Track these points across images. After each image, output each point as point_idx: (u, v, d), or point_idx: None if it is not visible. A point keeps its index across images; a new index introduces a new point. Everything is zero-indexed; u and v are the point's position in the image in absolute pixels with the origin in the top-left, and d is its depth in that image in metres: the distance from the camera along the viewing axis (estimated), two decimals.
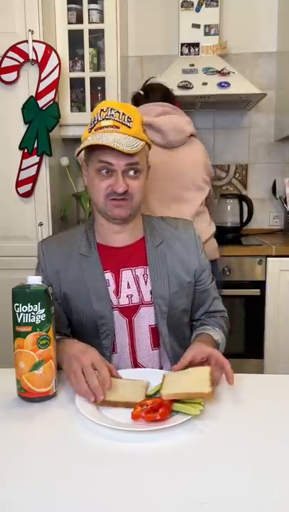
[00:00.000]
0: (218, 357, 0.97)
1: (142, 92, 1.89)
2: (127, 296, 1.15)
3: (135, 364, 1.16)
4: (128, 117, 1.06)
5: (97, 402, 0.89)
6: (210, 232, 1.86)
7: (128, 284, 1.15)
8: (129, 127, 1.06)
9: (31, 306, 0.90)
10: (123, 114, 1.06)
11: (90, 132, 1.08)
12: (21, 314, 0.90)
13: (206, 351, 1.00)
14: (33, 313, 0.90)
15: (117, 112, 1.06)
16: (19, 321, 0.90)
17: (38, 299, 0.90)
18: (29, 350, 0.91)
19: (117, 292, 1.15)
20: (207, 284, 1.25)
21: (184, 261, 1.19)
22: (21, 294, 0.91)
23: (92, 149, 1.08)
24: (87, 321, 1.16)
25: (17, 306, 0.90)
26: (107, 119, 1.06)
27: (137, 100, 1.88)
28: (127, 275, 1.15)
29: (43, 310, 0.91)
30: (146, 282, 1.15)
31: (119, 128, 1.05)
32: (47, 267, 1.19)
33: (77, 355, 0.96)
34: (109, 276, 1.15)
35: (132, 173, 1.09)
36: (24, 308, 0.90)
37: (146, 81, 1.96)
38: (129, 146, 1.03)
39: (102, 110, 1.08)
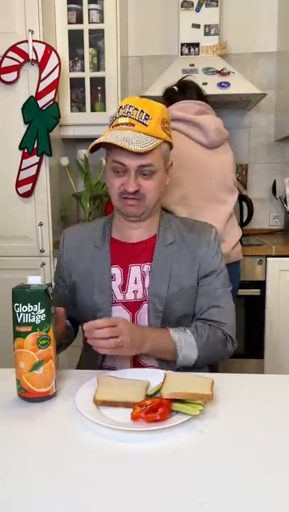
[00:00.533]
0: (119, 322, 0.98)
1: (176, 88, 1.87)
2: (133, 291, 1.16)
3: (134, 359, 1.15)
4: (146, 114, 1.05)
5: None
6: (240, 235, 1.88)
7: (135, 280, 1.16)
8: (145, 125, 1.05)
9: (31, 306, 0.90)
10: (141, 111, 1.05)
11: (108, 129, 1.09)
12: (21, 314, 0.90)
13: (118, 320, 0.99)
14: (33, 313, 0.90)
15: (136, 109, 1.05)
16: (19, 321, 0.90)
17: (38, 299, 0.90)
18: (29, 350, 0.91)
19: (124, 287, 1.16)
20: (209, 288, 1.17)
21: (190, 265, 1.16)
22: (21, 294, 0.90)
23: (108, 147, 1.08)
24: (88, 312, 1.17)
25: (17, 306, 0.90)
26: (124, 116, 1.06)
27: (170, 96, 1.86)
28: (135, 271, 1.16)
29: (43, 310, 0.91)
30: (149, 279, 1.16)
31: (134, 126, 1.04)
32: (64, 255, 1.24)
33: None
34: (116, 270, 1.16)
35: (145, 173, 1.08)
36: (24, 308, 0.90)
37: (181, 78, 1.93)
38: (140, 144, 1.02)
39: (120, 107, 1.07)
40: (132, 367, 1.14)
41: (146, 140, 1.04)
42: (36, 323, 0.90)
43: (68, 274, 1.22)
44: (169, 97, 1.86)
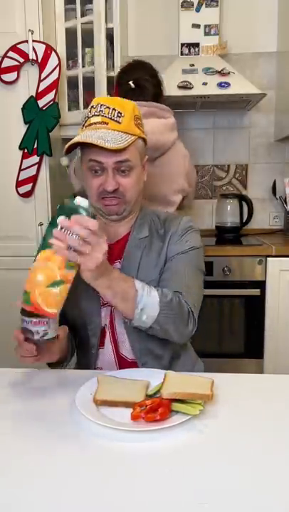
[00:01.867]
0: None
1: (132, 85, 1.74)
2: None
3: (118, 353, 1.14)
4: (118, 112, 1.05)
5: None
6: None
7: None
8: (118, 122, 1.05)
9: None
10: (113, 109, 1.05)
11: (82, 129, 1.09)
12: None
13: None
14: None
15: (107, 107, 1.05)
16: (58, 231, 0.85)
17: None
18: (55, 266, 0.86)
19: None
20: (172, 264, 1.12)
21: (158, 257, 1.15)
22: (67, 208, 0.86)
23: (83, 147, 1.08)
24: (77, 317, 1.16)
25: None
26: (96, 115, 1.06)
27: (127, 96, 1.74)
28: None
29: None
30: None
31: (107, 124, 1.04)
32: None
33: None
34: None
35: (123, 170, 1.08)
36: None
37: (131, 62, 1.79)
38: (115, 142, 1.02)
39: (92, 107, 1.08)
40: (116, 360, 1.13)
41: (122, 137, 1.04)
42: None
43: None
44: (125, 95, 1.66)
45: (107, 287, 0.96)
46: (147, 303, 0.99)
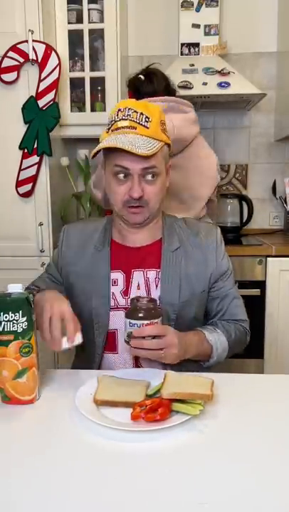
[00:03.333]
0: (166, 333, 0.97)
1: (142, 77, 1.74)
2: None
3: (136, 366, 1.15)
4: (146, 117, 1.03)
5: (57, 349, 0.94)
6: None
7: (138, 285, 1.14)
8: (146, 127, 1.03)
9: (13, 315, 0.90)
10: (141, 113, 1.03)
11: (107, 133, 1.07)
12: (3, 323, 0.90)
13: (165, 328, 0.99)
14: (14, 321, 0.90)
15: (135, 111, 1.04)
16: (1, 329, 0.90)
17: (20, 307, 0.90)
18: (12, 359, 0.91)
19: (126, 292, 1.14)
20: (224, 291, 1.19)
21: (199, 269, 1.15)
22: (2, 303, 0.90)
23: (109, 151, 1.06)
24: (85, 316, 1.15)
25: None
26: (124, 119, 1.04)
27: (136, 85, 1.74)
28: (138, 276, 1.14)
29: (24, 318, 0.91)
30: (157, 286, 1.14)
31: (136, 129, 1.02)
32: (62, 251, 1.22)
33: (51, 301, 0.97)
34: (118, 275, 1.14)
35: (149, 177, 1.06)
36: (6, 317, 0.90)
37: (147, 66, 1.80)
38: (145, 148, 1.00)
39: (119, 110, 1.05)
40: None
41: (150, 143, 1.02)
42: (18, 331, 0.90)
43: (65, 274, 1.20)
44: (135, 87, 1.73)
45: (191, 357, 1.06)
46: (220, 352, 1.12)
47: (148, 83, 1.72)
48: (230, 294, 1.20)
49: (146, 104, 1.08)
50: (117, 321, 1.14)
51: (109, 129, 1.06)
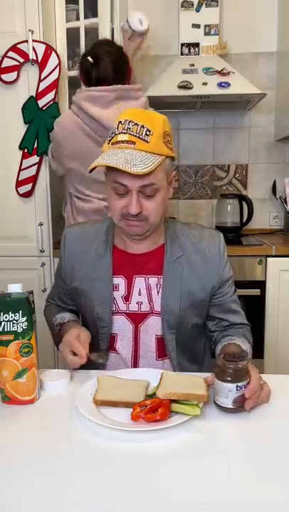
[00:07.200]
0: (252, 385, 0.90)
1: (90, 59, 1.67)
2: (137, 303, 1.14)
3: (135, 366, 1.16)
4: (147, 130, 0.99)
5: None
6: None
7: (139, 291, 1.14)
8: (146, 142, 0.99)
9: (12, 315, 0.90)
10: (142, 126, 0.99)
11: (108, 144, 1.04)
12: (3, 323, 0.90)
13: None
14: (14, 321, 0.90)
15: (136, 124, 0.99)
16: (1, 329, 0.91)
17: (19, 307, 0.91)
18: (12, 359, 0.92)
19: (128, 298, 1.14)
20: (225, 298, 1.19)
21: (201, 278, 1.14)
22: (2, 303, 0.91)
23: (108, 166, 1.02)
24: (88, 319, 1.18)
25: None
26: (123, 133, 1.00)
27: (85, 69, 1.70)
28: (139, 282, 1.14)
29: (24, 318, 0.91)
30: (158, 292, 1.13)
31: (135, 143, 0.98)
32: (65, 259, 1.22)
33: (66, 342, 1.07)
34: (120, 281, 1.14)
35: (148, 192, 1.04)
36: (6, 317, 0.90)
37: (97, 42, 1.76)
38: (142, 165, 0.96)
39: (120, 122, 1.01)
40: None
41: (148, 159, 0.98)
42: (18, 331, 0.91)
43: (70, 279, 1.21)
44: (86, 71, 1.69)
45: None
46: (250, 355, 1.13)
47: (95, 68, 1.68)
48: (229, 302, 1.20)
49: (149, 114, 1.05)
50: (119, 325, 1.15)
51: (109, 141, 1.03)
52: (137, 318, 1.14)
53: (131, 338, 1.15)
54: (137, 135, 0.99)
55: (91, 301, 1.15)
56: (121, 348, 1.16)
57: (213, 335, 1.22)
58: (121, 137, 1.00)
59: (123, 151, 0.99)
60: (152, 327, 1.14)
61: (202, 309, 1.17)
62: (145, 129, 0.99)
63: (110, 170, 1.03)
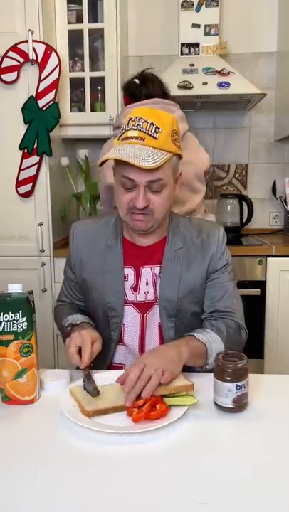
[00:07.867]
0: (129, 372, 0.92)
1: (137, 81, 1.74)
2: (145, 292, 1.17)
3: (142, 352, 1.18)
4: (156, 127, 1.03)
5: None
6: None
7: (147, 281, 1.17)
8: (155, 138, 1.03)
9: (12, 315, 0.90)
10: (151, 123, 1.03)
11: (118, 140, 1.08)
12: (3, 323, 0.90)
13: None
14: (14, 321, 0.91)
15: (145, 121, 1.03)
16: (1, 329, 0.91)
17: (19, 307, 0.91)
18: (12, 359, 0.92)
19: (136, 288, 1.17)
20: (218, 281, 1.18)
21: (198, 268, 1.17)
22: (2, 303, 0.91)
23: (117, 161, 1.06)
24: (100, 310, 1.19)
25: None
26: (133, 129, 1.04)
27: (131, 90, 1.75)
28: (146, 272, 1.17)
29: (24, 318, 0.91)
30: (160, 284, 1.16)
31: (144, 139, 1.02)
32: (74, 251, 1.24)
33: (81, 335, 1.05)
34: (129, 271, 1.17)
35: (155, 188, 1.07)
36: (5, 317, 0.90)
37: (142, 71, 1.80)
38: (150, 160, 1.00)
39: (130, 119, 1.05)
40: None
41: (156, 155, 1.02)
42: (18, 331, 0.91)
43: (79, 273, 1.23)
44: (131, 91, 1.74)
45: (188, 357, 1.01)
46: (216, 348, 1.07)
47: (143, 88, 1.73)
48: (225, 286, 1.19)
49: (158, 113, 1.08)
50: (128, 315, 1.17)
51: (119, 137, 1.08)
52: (144, 308, 1.17)
53: (138, 328, 1.17)
54: (147, 132, 1.03)
55: (102, 292, 1.17)
56: (128, 338, 1.18)
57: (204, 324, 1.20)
58: (131, 133, 1.04)
59: (132, 146, 1.03)
60: (155, 315, 1.17)
61: (200, 297, 1.19)
62: (154, 126, 1.03)
63: (119, 164, 1.06)
